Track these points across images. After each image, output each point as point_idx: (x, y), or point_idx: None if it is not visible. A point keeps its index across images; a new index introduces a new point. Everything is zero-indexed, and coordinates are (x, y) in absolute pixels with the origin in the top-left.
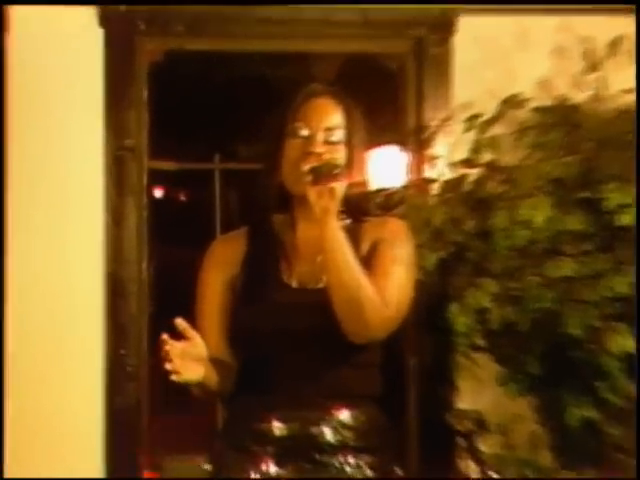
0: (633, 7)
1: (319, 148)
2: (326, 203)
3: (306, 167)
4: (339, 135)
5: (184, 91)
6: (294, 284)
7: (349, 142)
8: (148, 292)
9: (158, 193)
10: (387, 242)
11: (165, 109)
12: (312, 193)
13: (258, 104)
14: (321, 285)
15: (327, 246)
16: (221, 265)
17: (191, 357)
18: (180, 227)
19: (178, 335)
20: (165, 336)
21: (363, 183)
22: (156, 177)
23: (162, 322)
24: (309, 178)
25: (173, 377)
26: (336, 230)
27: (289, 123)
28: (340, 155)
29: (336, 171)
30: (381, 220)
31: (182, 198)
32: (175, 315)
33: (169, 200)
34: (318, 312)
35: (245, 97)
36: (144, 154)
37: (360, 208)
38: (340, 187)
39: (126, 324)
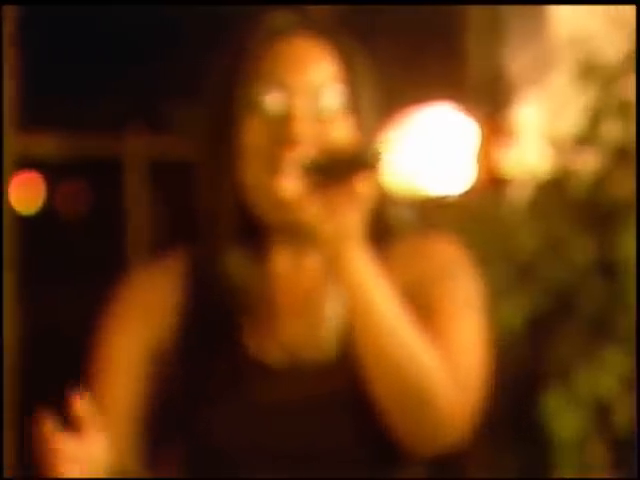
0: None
1: (305, 128)
2: (343, 222)
3: (296, 161)
4: (336, 100)
5: (78, 16)
6: (272, 360)
7: (355, 112)
8: (17, 360)
9: (32, 197)
10: (439, 278)
11: (46, 46)
12: (312, 208)
13: (204, 41)
14: (327, 354)
15: (353, 298)
16: (141, 318)
17: (89, 464)
18: (68, 253)
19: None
20: (49, 425)
21: (383, 180)
22: (29, 166)
23: (37, 406)
24: (302, 182)
25: None
26: (366, 269)
27: (245, 86)
28: (342, 136)
29: (361, 161)
30: (419, 241)
31: (72, 204)
32: (59, 395)
33: (50, 209)
34: (329, 410)
35: (184, 29)
36: (10, 125)
37: (381, 222)
38: (369, 189)
39: None
